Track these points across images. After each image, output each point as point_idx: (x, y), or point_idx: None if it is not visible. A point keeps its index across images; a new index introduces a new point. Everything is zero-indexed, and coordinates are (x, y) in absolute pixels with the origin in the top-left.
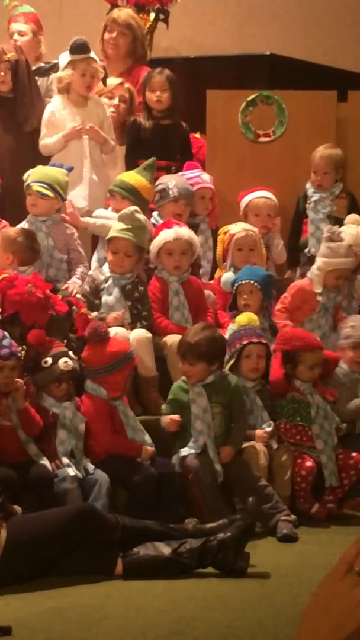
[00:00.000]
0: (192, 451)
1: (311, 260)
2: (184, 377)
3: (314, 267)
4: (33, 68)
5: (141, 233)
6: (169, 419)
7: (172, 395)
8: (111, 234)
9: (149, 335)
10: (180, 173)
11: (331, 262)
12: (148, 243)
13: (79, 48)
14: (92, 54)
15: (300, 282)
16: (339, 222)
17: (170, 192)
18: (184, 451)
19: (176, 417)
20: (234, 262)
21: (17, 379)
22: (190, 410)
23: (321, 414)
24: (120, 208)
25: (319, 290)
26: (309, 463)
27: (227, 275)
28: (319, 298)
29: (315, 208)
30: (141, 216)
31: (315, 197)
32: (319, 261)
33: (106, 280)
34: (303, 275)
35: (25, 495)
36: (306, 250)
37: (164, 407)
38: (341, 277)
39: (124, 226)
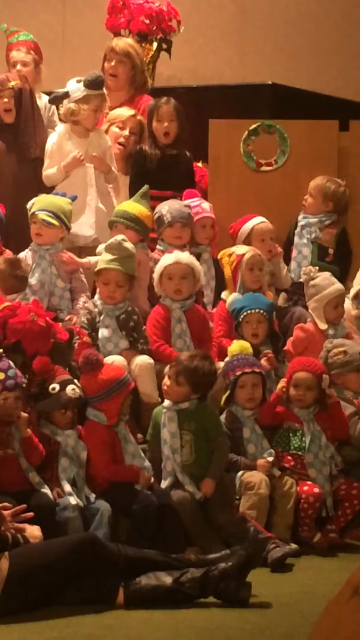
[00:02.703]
0: (167, 482)
1: (295, 286)
2: (163, 403)
3: (310, 310)
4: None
5: (130, 261)
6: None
7: (153, 421)
8: (100, 265)
9: (151, 361)
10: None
11: (322, 296)
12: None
13: (97, 84)
14: (104, 90)
15: (300, 328)
16: (324, 250)
17: (165, 219)
18: (162, 483)
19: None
20: (244, 282)
21: (22, 412)
22: None
23: (316, 443)
24: (129, 241)
25: (324, 327)
26: (316, 489)
27: (236, 296)
28: (329, 332)
29: (300, 233)
30: (128, 244)
31: (303, 222)
32: (310, 304)
33: (100, 313)
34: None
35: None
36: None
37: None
38: (339, 304)
39: (111, 257)
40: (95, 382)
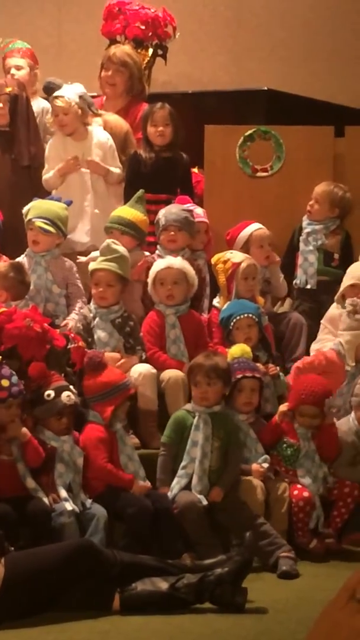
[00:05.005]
0: (182, 483)
1: (301, 292)
2: (186, 407)
3: (342, 341)
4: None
5: (120, 262)
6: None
7: (175, 425)
8: (92, 267)
9: (154, 371)
10: None
11: None
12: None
13: (45, 90)
14: (59, 92)
15: (324, 355)
16: (330, 255)
17: (160, 223)
18: (174, 484)
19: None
20: (239, 292)
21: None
22: (187, 440)
23: (309, 459)
24: (120, 244)
25: (352, 364)
26: (305, 493)
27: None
28: (348, 368)
29: (306, 240)
30: (119, 247)
31: (308, 229)
32: (346, 335)
33: (94, 317)
34: (296, 308)
35: (22, 530)
36: (294, 282)
37: (164, 437)
38: None
39: (102, 258)
40: (94, 384)
